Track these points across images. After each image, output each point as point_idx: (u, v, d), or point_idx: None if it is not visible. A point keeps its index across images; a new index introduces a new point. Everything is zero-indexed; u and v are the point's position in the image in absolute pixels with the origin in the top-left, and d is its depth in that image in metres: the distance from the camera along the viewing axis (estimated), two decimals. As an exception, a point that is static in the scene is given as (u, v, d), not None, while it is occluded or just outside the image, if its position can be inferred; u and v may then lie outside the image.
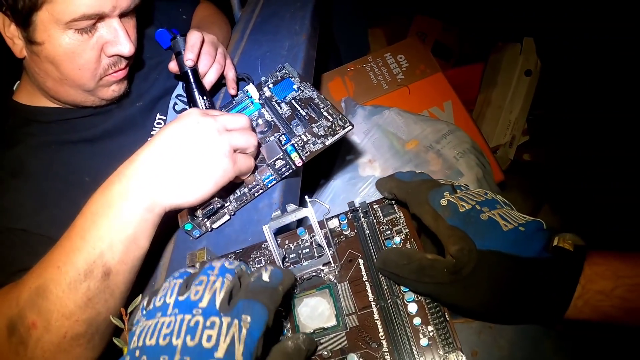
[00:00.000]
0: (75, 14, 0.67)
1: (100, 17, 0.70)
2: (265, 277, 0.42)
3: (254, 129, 0.70)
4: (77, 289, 0.51)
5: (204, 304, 0.38)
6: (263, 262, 0.57)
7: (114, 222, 0.53)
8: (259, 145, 0.69)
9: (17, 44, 0.72)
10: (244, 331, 0.37)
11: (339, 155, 1.06)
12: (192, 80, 0.78)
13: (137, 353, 0.36)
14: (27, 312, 0.51)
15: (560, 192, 1.41)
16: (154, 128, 0.89)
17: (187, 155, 0.56)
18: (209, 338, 0.36)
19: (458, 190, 0.48)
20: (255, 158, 0.67)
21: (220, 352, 0.35)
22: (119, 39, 0.73)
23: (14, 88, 0.87)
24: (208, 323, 0.37)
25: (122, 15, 0.74)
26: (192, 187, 0.57)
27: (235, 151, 0.60)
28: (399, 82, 1.36)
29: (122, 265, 0.54)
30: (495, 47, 1.56)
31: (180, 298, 0.39)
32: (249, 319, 0.38)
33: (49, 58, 0.72)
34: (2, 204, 0.73)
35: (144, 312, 0.40)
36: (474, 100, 1.60)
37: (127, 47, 0.74)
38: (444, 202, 0.46)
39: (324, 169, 1.06)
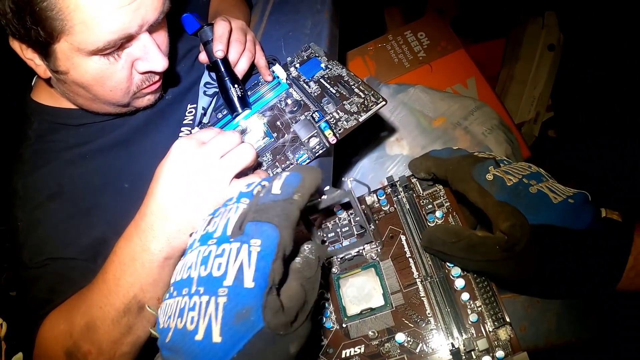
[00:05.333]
0: (99, 43, 0.61)
1: (127, 39, 0.64)
2: (276, 188, 0.38)
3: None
4: (119, 323, 0.58)
5: (217, 233, 0.37)
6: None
7: (140, 272, 0.57)
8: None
9: (39, 65, 0.67)
10: (254, 255, 0.34)
11: (365, 135, 1.05)
12: (222, 70, 0.74)
13: (171, 289, 0.37)
14: (81, 343, 0.60)
15: (586, 168, 1.38)
16: (185, 117, 0.86)
17: (191, 199, 0.56)
18: (219, 266, 0.35)
19: (501, 164, 0.46)
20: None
21: (229, 280, 0.34)
22: (150, 55, 0.67)
23: (32, 83, 0.82)
24: (219, 251, 0.35)
25: (150, 28, 0.66)
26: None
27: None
28: (420, 60, 1.33)
29: (153, 300, 0.59)
30: (516, 22, 1.52)
31: (201, 232, 0.39)
32: (258, 242, 0.35)
33: (76, 83, 0.68)
34: (45, 233, 0.70)
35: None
36: (497, 76, 1.57)
37: (160, 64, 0.68)
38: (489, 177, 0.45)
39: (350, 149, 1.04)
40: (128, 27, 0.62)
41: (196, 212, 0.56)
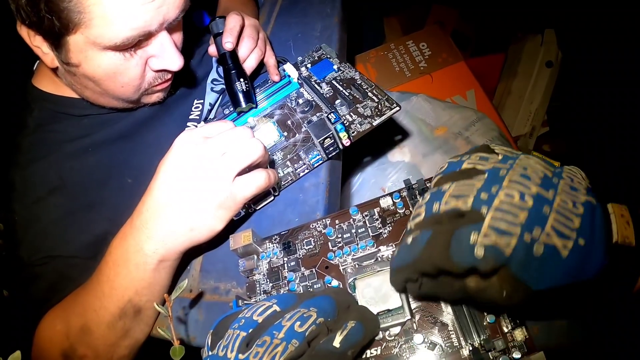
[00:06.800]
0: (117, 39, 0.59)
1: (146, 37, 0.63)
2: (337, 341, 0.38)
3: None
4: (115, 327, 0.57)
5: None
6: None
7: (134, 274, 0.56)
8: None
9: (47, 53, 0.64)
10: None
11: (370, 140, 1.05)
12: (229, 63, 0.73)
13: None
14: (77, 346, 0.58)
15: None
16: (191, 112, 0.85)
17: (189, 196, 0.54)
18: None
19: (484, 208, 0.34)
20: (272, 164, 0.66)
21: None
22: (166, 54, 0.66)
23: (34, 68, 0.79)
24: None
25: (169, 26, 0.65)
26: (200, 227, 0.56)
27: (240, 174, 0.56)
28: (421, 70, 1.35)
29: (150, 302, 0.58)
30: (515, 38, 1.56)
31: (241, 357, 0.37)
32: None
33: (86, 76, 0.65)
34: (45, 229, 0.67)
35: (209, 352, 0.40)
36: (494, 90, 1.60)
37: (176, 63, 0.67)
38: (479, 252, 0.32)
39: (355, 153, 1.05)
40: (149, 24, 0.60)
41: (193, 211, 0.54)
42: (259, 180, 0.57)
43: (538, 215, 0.33)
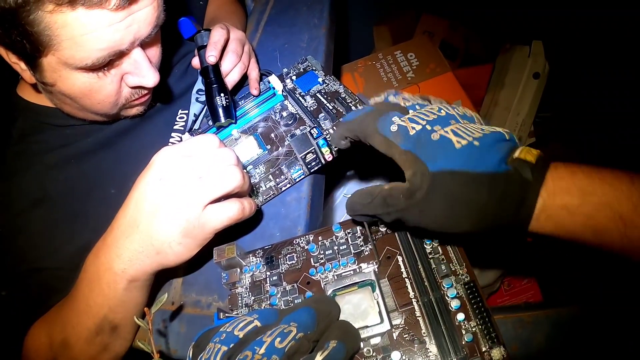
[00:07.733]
0: (87, 60, 0.58)
1: (118, 55, 0.62)
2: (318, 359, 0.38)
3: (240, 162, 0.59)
4: (93, 342, 0.58)
5: None
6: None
7: (106, 292, 0.55)
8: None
9: (25, 70, 0.64)
10: None
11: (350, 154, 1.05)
12: (212, 77, 0.73)
13: None
14: (60, 358, 0.59)
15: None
16: (176, 122, 0.85)
17: (155, 220, 0.52)
18: None
19: (410, 111, 0.47)
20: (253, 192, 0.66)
21: None
22: (141, 71, 0.65)
23: (19, 77, 0.76)
24: None
25: (143, 42, 0.64)
26: (167, 252, 0.54)
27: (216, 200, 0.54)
28: (409, 80, 1.36)
29: (126, 319, 0.58)
30: (503, 49, 1.56)
31: None
32: None
33: (63, 94, 0.65)
34: (29, 241, 0.67)
35: None
36: (481, 101, 1.60)
37: (151, 80, 0.66)
38: (394, 128, 0.45)
39: (338, 167, 1.05)
40: (119, 44, 0.59)
41: (158, 235, 0.53)
42: (231, 211, 0.54)
43: (443, 121, 0.44)
